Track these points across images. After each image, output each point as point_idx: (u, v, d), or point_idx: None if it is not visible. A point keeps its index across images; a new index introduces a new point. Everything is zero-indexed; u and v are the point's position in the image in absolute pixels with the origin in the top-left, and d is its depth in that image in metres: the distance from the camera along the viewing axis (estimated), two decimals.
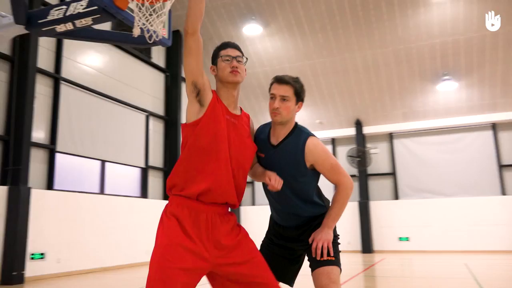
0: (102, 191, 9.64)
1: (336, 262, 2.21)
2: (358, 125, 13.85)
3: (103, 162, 9.73)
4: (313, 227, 2.33)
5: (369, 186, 13.75)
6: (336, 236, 2.33)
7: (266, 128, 2.41)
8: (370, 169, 13.71)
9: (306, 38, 11.75)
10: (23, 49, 7.75)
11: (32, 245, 7.44)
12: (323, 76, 12.67)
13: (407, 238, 12.80)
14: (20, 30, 4.24)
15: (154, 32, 3.82)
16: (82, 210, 8.61)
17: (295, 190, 2.28)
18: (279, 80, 2.28)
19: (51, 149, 8.33)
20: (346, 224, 13.20)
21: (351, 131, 13.96)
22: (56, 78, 8.58)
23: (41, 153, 8.18)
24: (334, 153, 14.35)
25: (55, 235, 7.95)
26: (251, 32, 11.76)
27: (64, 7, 4.02)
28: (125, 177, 10.56)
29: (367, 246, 12.86)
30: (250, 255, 2.15)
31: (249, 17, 11.40)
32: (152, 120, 11.50)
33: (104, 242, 9.00)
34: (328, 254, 2.20)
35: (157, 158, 11.57)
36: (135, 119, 10.83)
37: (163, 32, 4.54)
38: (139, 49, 11.33)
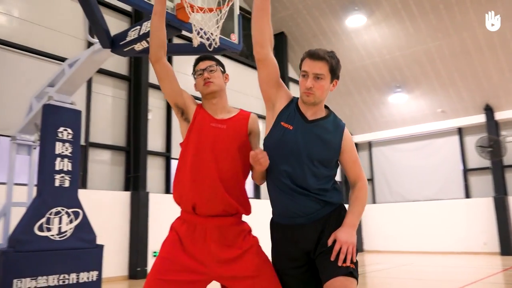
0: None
1: (355, 273, 1.93)
2: (489, 110, 12.24)
3: None
4: (329, 225, 2.03)
5: (506, 179, 12.05)
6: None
7: (294, 100, 2.16)
8: (507, 160, 12.00)
9: (416, 21, 10.83)
10: (136, 68, 8.65)
11: (154, 243, 8.24)
12: (441, 60, 11.51)
13: None
14: (108, 53, 4.76)
15: (213, 40, 3.95)
16: None
17: (320, 176, 2.03)
18: (312, 55, 2.03)
19: (167, 156, 9.12)
20: (480, 223, 11.79)
21: (480, 118, 12.41)
22: None
23: (158, 161, 9.02)
24: (461, 144, 12.95)
25: None
26: (356, 24, 11.28)
27: (138, 27, 4.38)
28: None
29: (506, 247, 11.28)
30: (256, 272, 2.04)
31: (351, 9, 10.96)
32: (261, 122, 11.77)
33: None
34: (351, 261, 1.93)
35: None
36: None
37: (233, 38, 4.66)
38: (245, 55, 11.74)
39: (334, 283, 1.87)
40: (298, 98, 2.17)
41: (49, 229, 4.87)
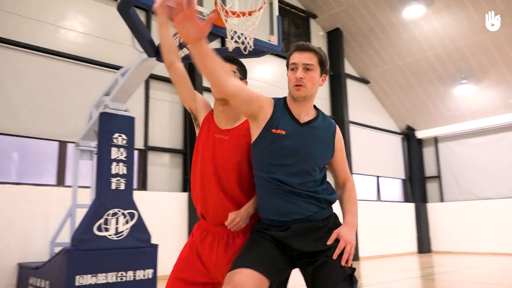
0: None
1: (354, 278, 1.85)
2: None
3: None
4: (323, 228, 1.94)
5: None
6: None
7: (279, 103, 2.04)
8: None
9: (481, 6, 10.12)
10: (190, 73, 8.92)
11: None
12: (511, 47, 10.67)
13: None
14: (154, 61, 4.99)
15: (248, 43, 4.00)
16: None
17: (313, 178, 1.96)
18: (301, 47, 1.99)
19: None
20: None
21: None
22: None
23: None
24: None
25: None
26: (414, 14, 10.78)
27: (178, 35, 4.54)
28: None
29: None
30: None
31: None
32: None
33: None
34: (346, 262, 1.86)
35: None
36: None
37: (272, 39, 4.69)
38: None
39: None
40: (283, 99, 2.09)
41: (107, 229, 5.20)
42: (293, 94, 2.00)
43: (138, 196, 7.76)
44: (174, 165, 8.65)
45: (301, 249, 1.89)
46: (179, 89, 2.27)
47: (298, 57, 1.98)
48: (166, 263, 7.63)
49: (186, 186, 8.50)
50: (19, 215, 6.34)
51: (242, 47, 4.08)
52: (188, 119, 8.77)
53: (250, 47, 4.04)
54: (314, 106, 2.11)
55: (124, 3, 3.82)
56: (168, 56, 2.22)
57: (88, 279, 4.94)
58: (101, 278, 5.05)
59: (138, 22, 4.27)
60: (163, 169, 8.47)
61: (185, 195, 8.34)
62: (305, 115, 2.03)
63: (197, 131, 2.28)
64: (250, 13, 4.02)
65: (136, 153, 8.13)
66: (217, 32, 4.15)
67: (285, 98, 2.08)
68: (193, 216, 8.18)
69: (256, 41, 4.56)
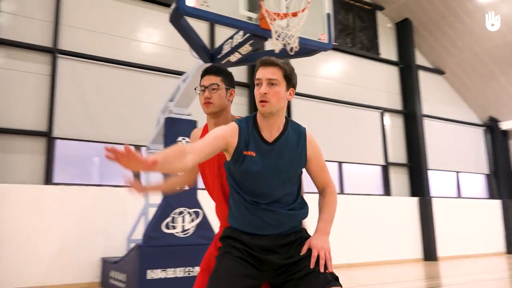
0: (341, 191, 10.14)
1: (338, 282, 1.83)
2: None
3: (340, 163, 10.24)
4: (296, 241, 1.95)
5: None
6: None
7: (248, 123, 1.97)
8: None
9: None
10: (253, 74, 9.14)
11: None
12: None
13: None
14: None
15: (293, 43, 4.06)
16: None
17: (287, 191, 1.95)
18: (264, 62, 1.93)
19: None
20: None
21: None
22: None
23: None
24: None
25: None
26: None
27: (230, 40, 4.73)
28: (366, 176, 10.75)
29: None
30: None
31: None
32: (388, 116, 11.30)
33: (348, 240, 9.44)
34: (326, 268, 1.83)
35: (398, 154, 11.25)
36: (369, 118, 10.92)
37: (322, 38, 4.70)
38: (366, 48, 11.40)
39: None
40: (252, 117, 2.01)
41: (174, 227, 5.54)
42: (260, 110, 1.94)
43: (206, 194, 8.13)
44: None
45: (277, 262, 1.87)
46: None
47: (262, 73, 1.92)
48: None
49: None
50: (101, 214, 6.95)
51: (288, 48, 4.14)
52: None
53: (296, 47, 4.08)
54: (286, 117, 2.05)
55: (175, 15, 4.07)
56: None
57: (158, 273, 5.31)
58: (170, 273, 5.40)
59: (190, 31, 4.52)
60: None
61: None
62: (275, 130, 1.96)
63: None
64: (294, 14, 4.08)
65: None
66: (263, 35, 4.26)
67: (254, 116, 2.01)
68: None
69: (305, 40, 4.62)
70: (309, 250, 1.90)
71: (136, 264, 5.31)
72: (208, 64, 5.08)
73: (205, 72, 2.25)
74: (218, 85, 2.20)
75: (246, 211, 1.92)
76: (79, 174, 7.34)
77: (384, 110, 11.16)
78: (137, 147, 7.75)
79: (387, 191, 10.80)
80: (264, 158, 1.91)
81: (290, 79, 1.95)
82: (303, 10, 3.95)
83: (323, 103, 10.19)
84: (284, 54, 4.30)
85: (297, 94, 9.77)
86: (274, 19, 3.98)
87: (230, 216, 2.01)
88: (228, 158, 1.95)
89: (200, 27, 8.01)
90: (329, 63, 10.66)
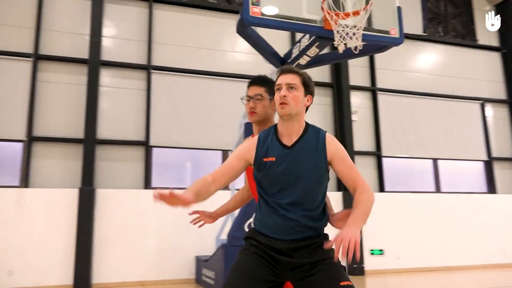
0: (438, 190, 9.56)
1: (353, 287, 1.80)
2: None
3: (435, 160, 9.66)
4: (310, 246, 1.98)
5: None
6: (339, 260, 1.93)
7: (270, 131, 2.11)
8: None
9: None
10: (338, 74, 9.07)
11: (372, 241, 8.40)
12: None
13: None
14: None
15: (355, 42, 4.04)
16: (416, 209, 8.90)
17: (309, 195, 1.99)
18: (284, 70, 2.10)
19: (377, 155, 9.16)
20: None
21: None
22: (372, 90, 9.44)
23: (369, 160, 9.15)
24: None
25: (392, 233, 8.60)
26: None
27: (298, 44, 4.83)
28: (465, 173, 9.99)
29: None
30: None
31: None
32: (490, 107, 10.37)
33: (446, 241, 8.88)
34: (355, 258, 1.74)
35: (503, 147, 10.26)
36: (466, 110, 10.14)
37: (392, 32, 4.59)
38: (461, 35, 10.61)
39: None
40: (274, 126, 2.13)
41: None
42: (279, 113, 2.04)
43: None
44: None
45: (291, 261, 1.96)
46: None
47: (282, 79, 2.06)
48: None
49: (340, 186, 8.63)
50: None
51: (352, 47, 4.12)
52: (338, 118, 8.92)
53: (360, 46, 4.04)
54: (308, 123, 2.13)
55: (241, 26, 4.28)
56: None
57: None
58: None
59: (257, 39, 4.70)
60: None
61: (338, 194, 8.49)
62: (294, 135, 2.05)
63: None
64: (356, 13, 4.04)
65: None
66: (328, 36, 4.27)
67: (276, 125, 2.13)
68: None
69: (374, 37, 4.54)
70: (330, 252, 1.93)
71: (222, 262, 5.63)
72: None
73: (250, 83, 2.40)
74: (262, 96, 2.34)
75: (267, 214, 2.03)
76: (174, 179, 7.96)
77: (485, 100, 10.27)
78: (225, 151, 8.17)
79: (491, 189, 9.91)
80: (283, 161, 2.00)
81: (308, 86, 2.08)
82: (364, 9, 3.90)
83: (413, 98, 9.72)
84: (348, 54, 4.28)
85: (385, 90, 9.47)
86: (336, 20, 3.99)
87: (255, 220, 2.14)
88: (253, 167, 2.10)
89: (281, 32, 8.15)
90: (419, 55, 10.13)
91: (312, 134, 2.06)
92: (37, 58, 7.44)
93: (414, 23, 10.20)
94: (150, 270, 7.06)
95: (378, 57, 9.55)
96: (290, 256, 1.96)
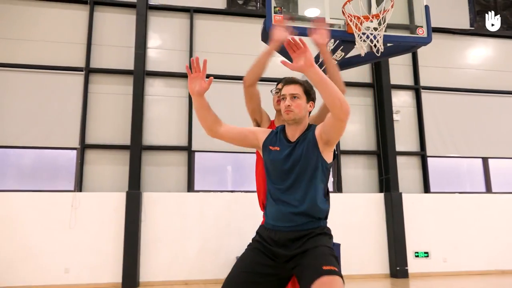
0: (488, 190, 9.15)
1: (338, 272, 1.94)
2: None
3: (485, 159, 9.26)
4: (306, 237, 2.17)
5: None
6: (331, 248, 2.16)
7: (279, 130, 2.46)
8: None
9: None
10: (378, 74, 8.96)
11: (416, 244, 8.22)
12: None
13: None
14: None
15: (378, 44, 4.08)
16: (464, 210, 8.59)
17: (309, 183, 2.23)
18: (287, 81, 2.41)
19: (422, 155, 8.94)
20: None
21: None
22: (416, 88, 9.22)
23: (413, 160, 8.95)
24: None
25: (439, 235, 8.36)
26: None
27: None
28: None
29: None
30: None
31: None
32: None
33: (498, 243, 8.50)
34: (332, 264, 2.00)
35: None
36: None
37: (420, 32, 4.56)
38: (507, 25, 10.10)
39: (320, 281, 1.89)
40: (282, 126, 2.48)
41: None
42: (285, 118, 2.36)
43: (334, 199, 8.27)
44: (370, 167, 8.79)
45: (286, 254, 2.16)
46: (250, 105, 3.01)
47: (285, 89, 2.38)
48: (367, 263, 7.89)
49: (382, 187, 8.52)
50: (235, 217, 7.70)
51: (374, 49, 4.14)
52: (379, 119, 8.82)
53: (381, 48, 4.06)
54: (310, 124, 2.44)
55: (264, 35, 4.43)
56: (255, 78, 2.98)
57: None
58: None
59: (282, 46, 4.81)
60: (358, 171, 8.72)
61: (381, 195, 8.38)
62: (297, 134, 2.38)
63: None
64: (377, 16, 4.07)
65: None
66: (352, 39, 4.30)
67: (284, 126, 2.47)
68: (390, 217, 8.15)
69: (401, 38, 4.52)
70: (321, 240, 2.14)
71: None
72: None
73: (287, 82, 2.54)
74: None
75: (270, 204, 2.31)
76: (216, 182, 8.24)
77: None
78: None
79: None
80: (285, 151, 2.32)
81: (309, 94, 2.41)
82: (384, 12, 3.92)
83: (460, 95, 9.38)
84: (371, 57, 4.30)
85: (429, 88, 9.24)
86: (357, 23, 4.04)
87: (265, 212, 2.41)
88: (260, 151, 2.45)
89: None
90: (466, 50, 9.75)
91: (309, 131, 2.34)
92: (89, 71, 8.01)
93: (460, 18, 9.85)
94: (193, 270, 7.37)
95: (421, 54, 9.33)
96: (286, 247, 2.15)
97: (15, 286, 6.82)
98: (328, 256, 2.06)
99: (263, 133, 2.48)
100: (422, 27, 4.59)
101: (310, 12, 4.33)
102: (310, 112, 2.49)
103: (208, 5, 8.73)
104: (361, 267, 8.02)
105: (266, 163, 2.40)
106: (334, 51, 4.64)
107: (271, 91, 2.95)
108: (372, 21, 4.14)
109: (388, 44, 4.70)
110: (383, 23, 4.01)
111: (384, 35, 4.35)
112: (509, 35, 9.95)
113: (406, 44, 4.59)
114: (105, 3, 8.34)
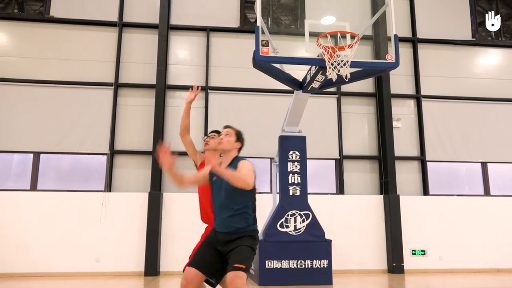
0: (487, 193, 9.65)
1: (246, 270, 2.77)
2: None
3: (484, 163, 9.76)
4: (236, 240, 2.88)
5: None
6: (252, 248, 2.90)
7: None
8: None
9: None
10: (379, 84, 9.63)
11: (413, 242, 8.87)
12: None
13: None
14: (303, 94, 6.25)
15: (343, 72, 4.87)
16: (462, 211, 9.15)
17: (234, 199, 2.93)
18: (225, 126, 3.27)
19: (421, 160, 9.55)
20: None
21: None
22: (417, 97, 9.84)
23: (412, 165, 9.57)
24: None
25: (436, 235, 8.97)
26: None
27: (309, 71, 5.73)
28: None
29: None
30: None
31: None
32: None
33: (494, 243, 9.02)
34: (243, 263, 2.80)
35: None
36: None
37: (388, 58, 5.33)
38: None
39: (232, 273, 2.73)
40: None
41: (287, 226, 6.73)
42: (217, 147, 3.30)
43: (337, 200, 9.06)
44: (371, 170, 9.48)
45: (223, 250, 2.95)
46: (187, 149, 3.80)
47: (223, 129, 3.26)
48: (367, 259, 8.59)
49: (382, 189, 9.20)
50: None
51: (343, 75, 4.93)
52: (380, 126, 9.49)
53: (348, 75, 4.84)
54: (238, 156, 3.20)
55: (255, 63, 5.30)
56: (183, 131, 3.85)
57: (274, 264, 6.57)
58: (284, 264, 6.59)
59: (273, 70, 5.68)
60: (360, 174, 9.43)
61: (380, 197, 9.06)
62: (227, 163, 3.12)
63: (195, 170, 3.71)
64: (342, 48, 4.86)
65: (333, 162, 9.44)
66: (320, 64, 5.11)
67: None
68: (388, 217, 8.83)
69: (371, 64, 5.30)
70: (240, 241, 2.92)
71: (258, 256, 6.66)
72: (300, 91, 6.14)
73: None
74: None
75: (215, 216, 3.10)
76: None
77: None
78: (272, 159, 9.18)
79: None
80: (218, 179, 3.02)
81: (240, 137, 3.22)
82: (349, 46, 4.71)
83: (460, 103, 9.93)
84: (341, 81, 5.08)
85: (430, 96, 9.82)
86: (332, 53, 4.84)
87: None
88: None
89: None
90: (467, 60, 10.25)
91: (235, 161, 3.08)
92: (117, 86, 9.11)
93: (463, 29, 10.36)
94: None
95: (422, 65, 9.93)
96: (223, 245, 2.95)
97: (54, 272, 7.97)
98: (244, 254, 2.83)
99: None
100: (391, 53, 5.35)
101: (293, 45, 5.19)
102: (239, 149, 3.21)
103: (223, 24, 9.66)
104: (360, 263, 8.74)
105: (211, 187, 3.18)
106: (316, 74, 5.47)
107: (202, 137, 3.80)
108: (345, 50, 4.95)
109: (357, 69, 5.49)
110: (351, 53, 4.79)
111: (356, 62, 5.15)
112: (508, 44, 10.37)
113: (376, 69, 5.35)
114: (131, 25, 9.43)
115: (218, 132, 3.65)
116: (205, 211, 3.61)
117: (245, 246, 2.90)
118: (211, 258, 2.98)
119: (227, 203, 3.00)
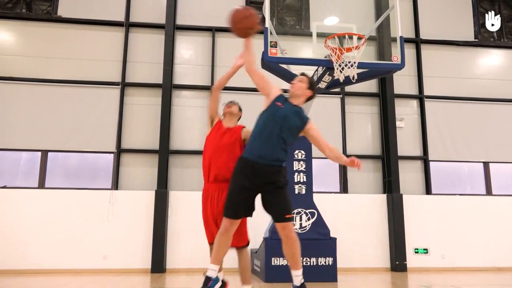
0: (489, 192, 9.76)
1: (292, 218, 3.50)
2: None
3: (486, 163, 9.87)
4: (275, 174, 3.43)
5: None
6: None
7: (282, 96, 3.74)
8: None
9: None
10: (383, 84, 9.74)
11: (416, 241, 8.98)
12: None
13: None
14: None
15: (353, 73, 4.97)
16: (464, 210, 9.27)
17: (286, 135, 3.42)
18: (301, 74, 3.77)
19: (424, 159, 9.66)
20: None
21: None
22: (420, 98, 9.95)
23: (415, 164, 9.68)
24: None
25: (438, 233, 9.08)
26: None
27: (316, 72, 5.83)
28: None
29: None
30: None
31: None
32: None
33: (496, 241, 9.13)
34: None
35: None
36: None
37: (394, 59, 5.43)
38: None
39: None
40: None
41: (293, 224, 6.82)
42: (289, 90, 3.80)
43: (341, 199, 9.16)
44: (375, 170, 9.59)
45: (258, 182, 3.45)
46: (212, 103, 4.08)
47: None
48: (371, 257, 8.70)
49: (385, 188, 9.31)
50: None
51: (351, 76, 5.03)
52: (383, 125, 9.60)
53: (355, 76, 4.95)
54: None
55: (263, 63, 5.41)
56: (217, 87, 4.11)
57: (280, 261, 6.67)
58: None
59: (280, 70, 5.78)
60: (364, 173, 9.54)
61: (383, 196, 9.17)
62: (296, 103, 3.74)
63: (208, 130, 4.12)
64: (356, 47, 4.97)
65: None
66: (332, 66, 5.22)
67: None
68: (391, 216, 8.94)
69: (377, 65, 5.41)
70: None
71: (263, 253, 6.78)
72: None
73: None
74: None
75: (263, 141, 3.56)
76: None
77: None
78: None
79: None
80: (284, 108, 3.60)
81: (312, 86, 3.73)
82: (356, 48, 4.81)
83: (463, 103, 10.04)
84: (348, 81, 5.19)
85: (433, 97, 9.94)
86: (339, 54, 4.94)
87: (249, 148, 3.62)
88: (268, 100, 3.77)
89: None
90: (470, 61, 10.35)
91: (303, 109, 3.80)
92: (124, 85, 9.22)
93: (465, 30, 10.46)
94: None
95: (425, 65, 10.04)
96: (260, 177, 3.46)
97: (61, 269, 8.09)
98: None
99: (274, 93, 3.75)
100: (396, 55, 5.45)
101: (298, 45, 5.30)
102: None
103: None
104: (364, 261, 8.86)
105: (266, 112, 3.70)
106: (322, 75, 5.57)
107: (223, 103, 4.20)
108: (349, 52, 5.06)
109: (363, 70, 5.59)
110: (358, 54, 4.90)
111: (363, 63, 5.26)
112: (511, 45, 10.48)
113: (382, 69, 5.46)
114: (138, 25, 9.53)
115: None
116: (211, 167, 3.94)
117: (285, 190, 3.46)
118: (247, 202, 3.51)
119: (281, 136, 3.40)
